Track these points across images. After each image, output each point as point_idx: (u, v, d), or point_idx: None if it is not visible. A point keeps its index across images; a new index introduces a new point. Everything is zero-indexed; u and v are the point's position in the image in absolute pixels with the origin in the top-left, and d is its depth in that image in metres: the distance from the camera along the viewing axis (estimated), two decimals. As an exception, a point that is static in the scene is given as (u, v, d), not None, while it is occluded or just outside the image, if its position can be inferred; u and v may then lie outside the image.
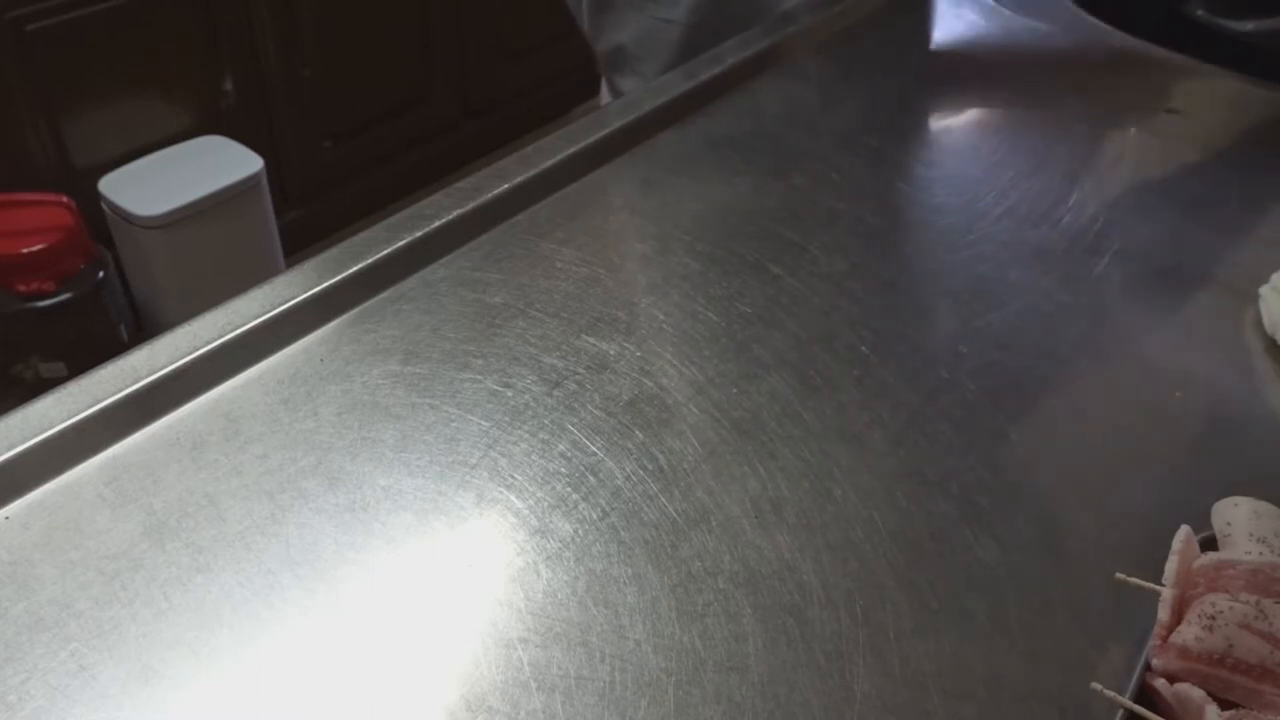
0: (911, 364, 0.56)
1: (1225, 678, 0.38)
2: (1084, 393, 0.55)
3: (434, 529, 0.45)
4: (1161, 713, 0.38)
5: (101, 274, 1.57)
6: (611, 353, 0.55)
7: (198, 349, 0.52)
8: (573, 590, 0.43)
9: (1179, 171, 0.75)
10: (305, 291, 0.56)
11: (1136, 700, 0.38)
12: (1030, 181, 0.72)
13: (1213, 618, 0.38)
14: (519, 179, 0.66)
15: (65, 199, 1.55)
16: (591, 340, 0.56)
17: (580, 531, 0.46)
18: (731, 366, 0.55)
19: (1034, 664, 0.41)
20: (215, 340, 0.52)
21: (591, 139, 0.70)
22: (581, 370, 0.54)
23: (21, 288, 1.49)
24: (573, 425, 0.51)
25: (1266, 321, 0.58)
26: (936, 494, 0.48)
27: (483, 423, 0.50)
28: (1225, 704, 0.37)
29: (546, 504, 0.47)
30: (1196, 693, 0.37)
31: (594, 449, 0.49)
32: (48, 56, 1.55)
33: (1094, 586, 0.44)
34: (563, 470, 0.48)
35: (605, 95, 1.01)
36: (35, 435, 0.47)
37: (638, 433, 0.50)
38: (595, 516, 0.46)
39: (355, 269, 0.58)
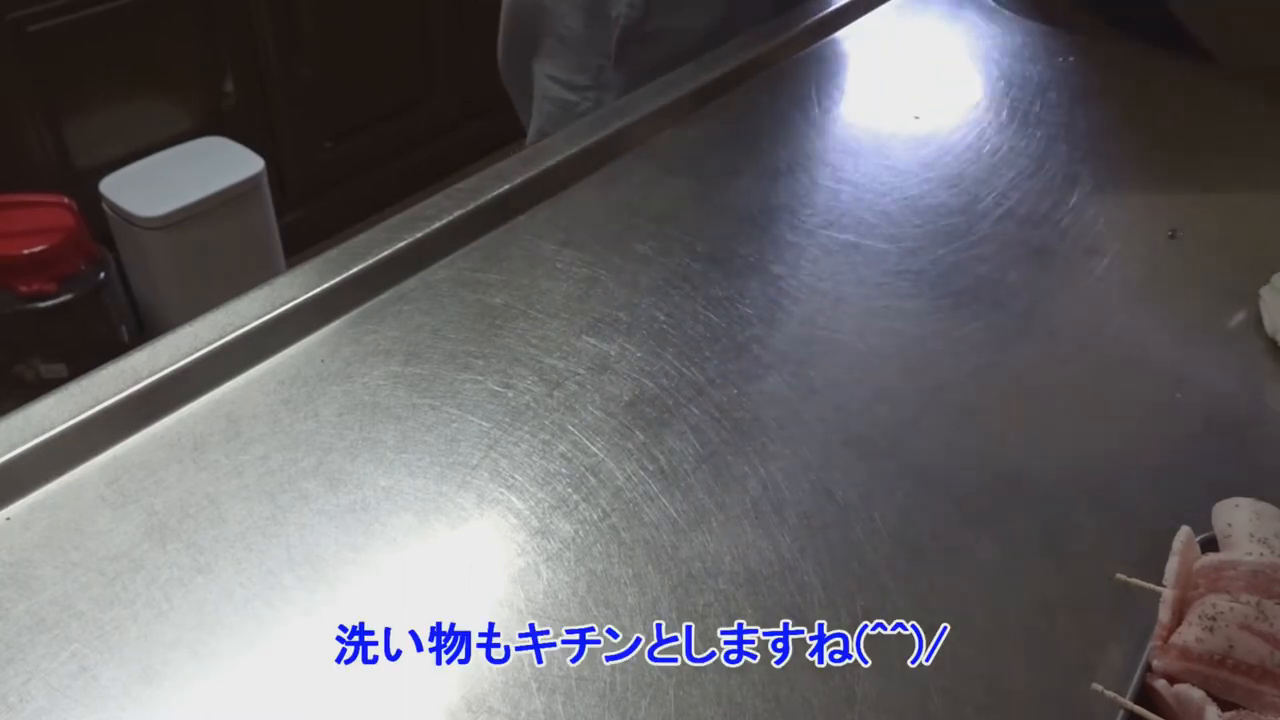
0: (912, 364, 0.56)
1: (1226, 679, 0.38)
2: (1084, 393, 0.55)
3: (435, 530, 0.45)
4: (1162, 713, 0.38)
5: (102, 275, 1.57)
6: (612, 353, 0.55)
7: (199, 350, 0.52)
8: (573, 591, 0.43)
9: (1178, 171, 0.75)
10: (306, 292, 0.56)
11: (1137, 701, 0.38)
12: (1030, 182, 0.72)
13: (1213, 619, 0.38)
14: (519, 179, 0.66)
15: (66, 200, 1.55)
16: (592, 341, 0.56)
17: (581, 532, 0.46)
18: (732, 367, 0.55)
19: (1034, 665, 0.41)
20: (216, 341, 0.52)
21: (591, 139, 0.70)
22: (582, 371, 0.54)
23: (23, 288, 1.49)
24: (573, 426, 0.51)
25: (1266, 321, 0.58)
26: (937, 494, 0.48)
27: (483, 423, 0.50)
28: (1225, 705, 0.37)
29: (547, 505, 0.47)
30: (1197, 693, 0.37)
31: (595, 450, 0.49)
32: (49, 57, 1.55)
33: (1094, 587, 0.44)
34: (563, 471, 0.48)
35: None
36: (36, 436, 0.47)
37: (638, 433, 0.50)
38: (596, 517, 0.46)
39: (356, 270, 0.58)
